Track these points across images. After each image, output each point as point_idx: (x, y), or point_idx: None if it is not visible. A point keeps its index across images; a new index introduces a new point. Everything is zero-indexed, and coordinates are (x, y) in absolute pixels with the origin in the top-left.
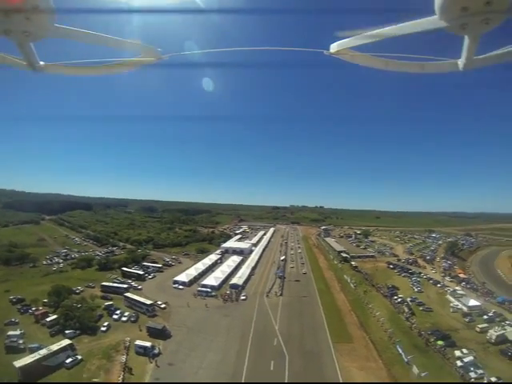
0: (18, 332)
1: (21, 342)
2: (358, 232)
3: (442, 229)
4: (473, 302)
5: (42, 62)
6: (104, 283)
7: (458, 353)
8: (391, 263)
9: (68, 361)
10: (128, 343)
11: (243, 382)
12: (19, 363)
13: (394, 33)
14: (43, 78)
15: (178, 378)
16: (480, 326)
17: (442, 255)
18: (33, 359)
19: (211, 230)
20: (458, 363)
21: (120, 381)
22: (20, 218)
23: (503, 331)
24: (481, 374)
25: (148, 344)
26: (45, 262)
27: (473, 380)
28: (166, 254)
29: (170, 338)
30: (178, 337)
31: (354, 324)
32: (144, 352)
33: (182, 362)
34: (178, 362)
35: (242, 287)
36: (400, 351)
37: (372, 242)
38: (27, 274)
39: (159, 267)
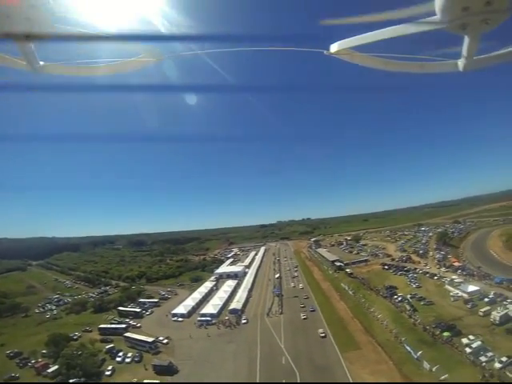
0: None
1: None
2: (349, 238)
3: (429, 220)
4: (472, 288)
5: (41, 62)
6: (102, 326)
7: (465, 340)
8: (386, 264)
9: None
10: None
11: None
12: None
13: (394, 33)
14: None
15: None
16: (482, 309)
17: (435, 247)
18: None
19: (202, 257)
20: (467, 350)
21: None
22: (5, 266)
23: (506, 310)
24: (491, 356)
25: (157, 382)
26: (37, 310)
27: (484, 364)
28: (160, 287)
29: (178, 373)
30: (185, 370)
31: (358, 330)
32: None
33: None
34: None
35: (242, 311)
36: (408, 349)
37: (364, 245)
38: (21, 325)
39: (156, 302)
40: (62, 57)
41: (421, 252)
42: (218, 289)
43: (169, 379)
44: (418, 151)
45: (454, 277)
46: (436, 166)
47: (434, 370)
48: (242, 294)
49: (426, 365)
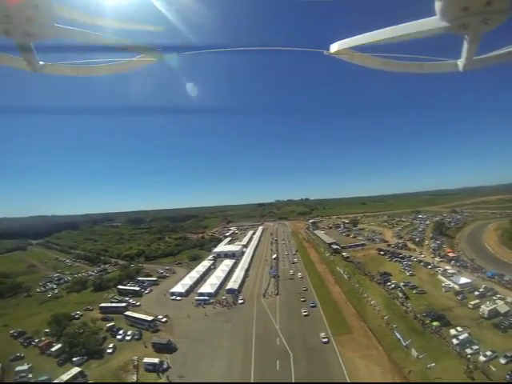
0: (25, 367)
1: (30, 376)
2: (347, 221)
3: (427, 208)
4: (463, 280)
5: (41, 62)
6: (102, 304)
7: (453, 331)
8: (382, 250)
9: None
10: (136, 362)
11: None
12: None
13: (395, 33)
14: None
15: None
16: (472, 302)
17: (431, 235)
18: None
19: (201, 235)
20: (454, 341)
21: None
22: (6, 246)
23: (495, 305)
24: (476, 349)
25: (156, 360)
26: (38, 290)
27: (469, 356)
28: (159, 266)
29: (176, 351)
30: (183, 349)
31: (351, 315)
32: (153, 368)
33: (192, 373)
34: (187, 374)
35: (239, 291)
36: (398, 336)
37: (361, 229)
38: (23, 305)
39: (154, 280)
40: (61, 57)
41: (417, 240)
42: (215, 268)
43: (168, 357)
44: (420, 137)
45: (447, 267)
46: (438, 154)
47: (421, 357)
48: (239, 274)
49: (414, 352)
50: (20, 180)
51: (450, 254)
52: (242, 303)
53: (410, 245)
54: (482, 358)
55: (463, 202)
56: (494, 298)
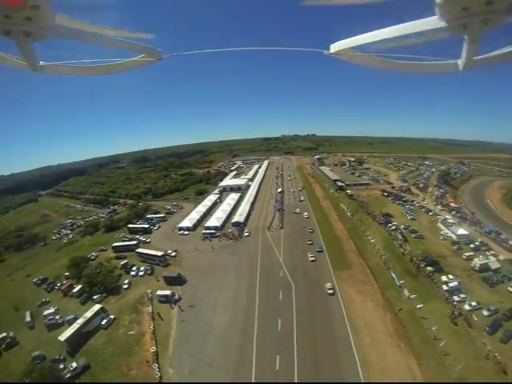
0: (52, 310)
1: (58, 317)
2: (352, 159)
3: (435, 155)
4: (461, 231)
5: (41, 62)
6: (115, 244)
7: (444, 278)
8: (385, 191)
9: (103, 322)
10: (150, 294)
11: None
12: (63, 337)
13: (394, 33)
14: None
15: (199, 317)
16: (466, 253)
17: (435, 183)
18: (74, 329)
19: (206, 169)
20: (444, 287)
21: (152, 328)
22: (18, 200)
23: (487, 260)
24: (463, 298)
25: (168, 292)
26: (54, 237)
27: (455, 303)
28: (166, 202)
29: (186, 283)
30: (192, 281)
31: (352, 251)
32: (166, 300)
33: (201, 302)
34: (197, 304)
35: (244, 224)
36: (394, 276)
37: (366, 169)
38: (41, 254)
39: (162, 217)
40: (62, 57)
41: (421, 186)
42: (221, 202)
43: (178, 288)
44: (436, 82)
45: (447, 217)
46: (453, 100)
47: (412, 298)
48: (244, 207)
49: (406, 292)
50: (22, 133)
51: (452, 205)
52: (247, 236)
53: (414, 190)
54: (466, 307)
55: (472, 154)
56: (488, 253)
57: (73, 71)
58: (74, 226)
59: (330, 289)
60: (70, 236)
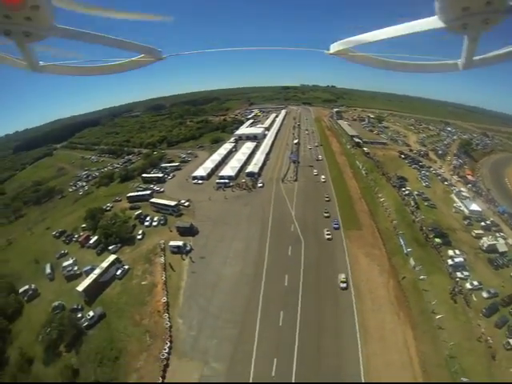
0: (70, 261)
1: (76, 268)
2: (372, 116)
3: (457, 122)
4: (474, 207)
5: (41, 62)
6: (129, 194)
7: (451, 252)
8: (403, 153)
9: (118, 272)
10: (163, 245)
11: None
12: (81, 287)
13: (394, 33)
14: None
15: (210, 268)
16: (476, 231)
17: (455, 152)
18: (91, 280)
19: (222, 117)
20: (449, 261)
21: (164, 279)
22: (33, 155)
23: (495, 242)
24: (466, 275)
25: (180, 243)
26: (70, 190)
27: (458, 280)
28: (181, 151)
29: (198, 234)
30: (204, 231)
31: (363, 212)
32: (178, 250)
33: (212, 253)
34: (208, 255)
35: (259, 174)
36: (402, 243)
37: (385, 127)
38: (59, 206)
39: (177, 166)
40: (62, 57)
41: (440, 152)
42: (236, 151)
43: (191, 239)
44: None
45: (462, 189)
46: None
47: (416, 269)
48: (259, 157)
49: (412, 261)
50: (33, 87)
51: (469, 177)
52: (261, 187)
53: (432, 155)
54: (468, 286)
55: (496, 127)
56: (497, 234)
57: (73, 71)
58: (90, 178)
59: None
60: (86, 188)
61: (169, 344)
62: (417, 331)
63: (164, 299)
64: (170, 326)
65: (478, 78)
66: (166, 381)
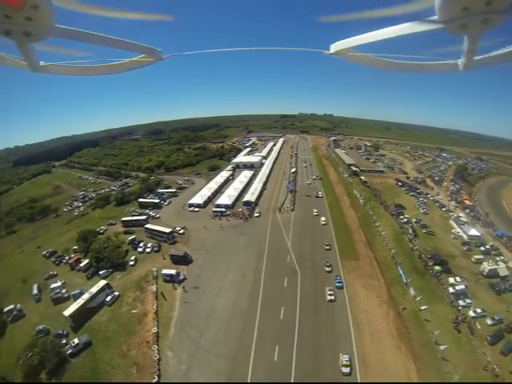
0: (59, 283)
1: (64, 291)
2: (368, 144)
3: (453, 148)
4: (473, 232)
5: (41, 62)
6: (124, 218)
7: (451, 280)
8: (400, 180)
9: (108, 299)
10: (155, 273)
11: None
12: (68, 312)
13: (394, 33)
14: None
15: (203, 299)
16: (476, 256)
17: (451, 177)
18: (78, 305)
19: (220, 144)
20: (450, 289)
21: (155, 308)
22: (32, 171)
23: (496, 266)
24: (468, 303)
25: (173, 271)
26: (65, 209)
27: (460, 308)
28: (178, 177)
29: (192, 263)
30: (199, 261)
31: (361, 242)
32: (171, 279)
33: (206, 284)
34: (202, 285)
35: (255, 203)
36: (401, 272)
37: (382, 155)
38: (53, 225)
39: (173, 192)
40: (61, 57)
41: (436, 178)
42: (233, 179)
43: (185, 268)
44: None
45: (461, 214)
46: (475, 94)
47: (417, 298)
48: (256, 186)
49: (412, 291)
50: (37, 104)
51: (467, 202)
52: (257, 216)
53: (429, 182)
54: (471, 314)
55: (490, 151)
56: (498, 258)
57: (73, 71)
58: (86, 199)
59: (338, 281)
60: (82, 208)
61: (156, 378)
62: (420, 364)
63: (154, 329)
64: (159, 359)
65: (470, 103)
66: None
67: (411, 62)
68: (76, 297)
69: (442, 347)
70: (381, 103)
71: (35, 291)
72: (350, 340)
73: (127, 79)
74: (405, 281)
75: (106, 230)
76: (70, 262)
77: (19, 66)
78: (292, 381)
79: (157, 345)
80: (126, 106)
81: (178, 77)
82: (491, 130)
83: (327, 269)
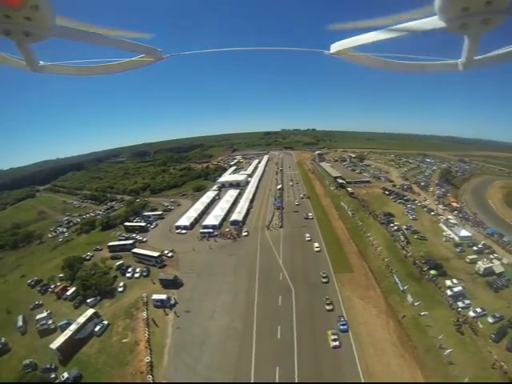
0: (45, 314)
1: (50, 322)
2: (353, 155)
3: (435, 153)
4: (464, 233)
5: (41, 62)
6: (110, 243)
7: (448, 282)
8: (387, 189)
9: (97, 329)
10: (145, 299)
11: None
12: (55, 344)
13: (395, 33)
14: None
15: (196, 324)
16: (470, 256)
17: (436, 182)
18: (66, 337)
19: (205, 164)
20: (448, 292)
21: (146, 336)
22: (15, 196)
23: (491, 264)
24: (468, 304)
25: (164, 296)
26: (50, 235)
27: (460, 309)
28: (164, 198)
29: (183, 286)
30: (189, 284)
31: (353, 253)
32: (161, 304)
33: (198, 307)
34: (194, 309)
35: (243, 222)
36: (397, 280)
37: (367, 166)
38: (37, 253)
39: (160, 214)
40: (62, 57)
41: (422, 184)
42: (220, 198)
43: (175, 292)
44: (434, 78)
45: (450, 217)
46: (452, 98)
47: (415, 304)
48: (243, 205)
49: (410, 298)
50: (22, 128)
51: (454, 204)
52: (246, 235)
53: (415, 188)
54: (471, 314)
55: (472, 152)
56: (491, 256)
57: (73, 71)
58: (71, 224)
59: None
60: (66, 234)
61: None
62: (426, 371)
63: (147, 359)
64: None
65: (446, 108)
66: None
67: (411, 62)
68: (63, 328)
69: (446, 351)
70: (363, 114)
71: (20, 323)
72: (352, 354)
73: (110, 98)
74: (401, 288)
75: (92, 256)
76: (56, 290)
77: (19, 66)
78: None
79: (151, 375)
80: (111, 128)
81: (162, 96)
82: (469, 132)
83: (323, 280)
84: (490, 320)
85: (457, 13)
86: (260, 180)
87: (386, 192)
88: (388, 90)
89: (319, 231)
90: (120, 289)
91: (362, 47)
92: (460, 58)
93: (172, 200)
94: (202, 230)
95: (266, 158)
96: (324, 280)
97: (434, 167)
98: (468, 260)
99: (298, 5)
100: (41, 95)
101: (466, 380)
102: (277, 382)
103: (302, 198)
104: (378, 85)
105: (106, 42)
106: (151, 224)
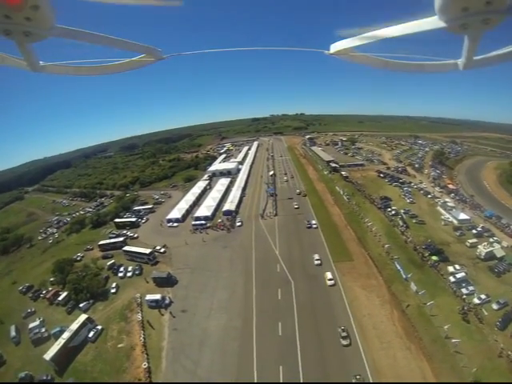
0: (37, 322)
1: (43, 330)
2: (344, 139)
3: (426, 134)
4: (463, 216)
5: (41, 62)
6: (101, 242)
7: (450, 268)
8: (381, 172)
9: (91, 335)
10: (139, 299)
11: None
12: (48, 355)
13: (394, 33)
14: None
15: (193, 324)
16: (470, 240)
17: (430, 163)
18: (59, 346)
19: (195, 154)
20: (451, 279)
21: (142, 340)
22: (3, 199)
23: (492, 248)
24: (471, 290)
25: (158, 296)
26: (40, 238)
27: (464, 296)
28: (154, 191)
29: (177, 284)
30: (184, 281)
31: (352, 240)
32: (156, 305)
33: (194, 306)
34: (190, 308)
35: (236, 212)
36: (399, 268)
37: (359, 149)
38: (27, 256)
39: (150, 208)
40: (61, 57)
41: (416, 166)
42: (211, 188)
43: (169, 291)
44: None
45: (447, 200)
46: (441, 79)
47: (419, 293)
48: (235, 194)
49: (413, 286)
50: (6, 129)
51: (450, 186)
52: (239, 226)
53: (410, 170)
54: (476, 301)
55: (463, 133)
56: (491, 240)
57: (73, 71)
58: (61, 224)
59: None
60: (56, 235)
61: None
62: (433, 362)
63: (144, 364)
64: None
65: (437, 89)
66: None
67: (411, 61)
68: (56, 336)
69: (453, 341)
70: (352, 98)
71: (13, 333)
72: (357, 348)
73: (96, 94)
74: (404, 276)
75: (83, 257)
76: (47, 296)
77: (19, 66)
78: None
79: (150, 381)
80: (98, 124)
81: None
82: (459, 113)
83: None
84: (495, 307)
85: (457, 13)
86: (251, 167)
87: (381, 175)
88: (375, 73)
89: (315, 218)
90: (113, 290)
91: (361, 47)
92: (460, 57)
93: (162, 192)
94: (194, 222)
95: (255, 144)
96: (323, 271)
97: (427, 149)
98: (468, 244)
99: (297, 5)
100: (25, 95)
101: (474, 370)
102: (281, 382)
103: (299, 195)
104: (367, 71)
105: (106, 41)
106: (142, 219)
